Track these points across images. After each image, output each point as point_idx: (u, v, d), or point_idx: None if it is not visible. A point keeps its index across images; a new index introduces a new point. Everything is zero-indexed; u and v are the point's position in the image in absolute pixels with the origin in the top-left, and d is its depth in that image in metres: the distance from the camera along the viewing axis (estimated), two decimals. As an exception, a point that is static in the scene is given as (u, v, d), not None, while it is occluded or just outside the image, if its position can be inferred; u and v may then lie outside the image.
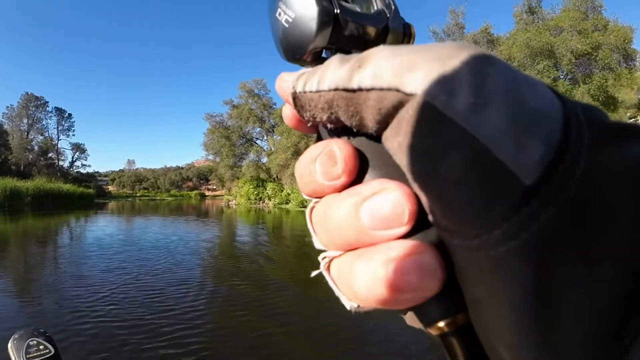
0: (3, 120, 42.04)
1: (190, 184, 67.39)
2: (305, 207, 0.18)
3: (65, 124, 46.93)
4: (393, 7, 0.20)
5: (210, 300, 3.95)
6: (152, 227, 12.29)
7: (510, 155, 0.12)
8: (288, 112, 0.19)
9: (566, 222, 0.11)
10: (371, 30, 0.19)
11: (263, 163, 27.89)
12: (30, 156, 42.34)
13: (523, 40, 16.06)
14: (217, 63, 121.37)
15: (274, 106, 29.34)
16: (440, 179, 0.13)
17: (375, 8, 0.20)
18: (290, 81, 0.18)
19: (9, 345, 0.71)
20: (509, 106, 0.12)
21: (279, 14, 0.20)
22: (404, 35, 0.20)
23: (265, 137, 29.37)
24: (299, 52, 0.20)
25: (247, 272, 5.35)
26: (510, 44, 16.85)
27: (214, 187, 52.87)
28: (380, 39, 0.20)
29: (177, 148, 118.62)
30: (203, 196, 55.95)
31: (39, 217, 16.25)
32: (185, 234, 10.33)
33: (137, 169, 73.08)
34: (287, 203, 23.79)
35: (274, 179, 26.02)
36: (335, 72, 0.15)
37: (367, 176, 0.16)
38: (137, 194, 60.40)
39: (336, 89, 0.15)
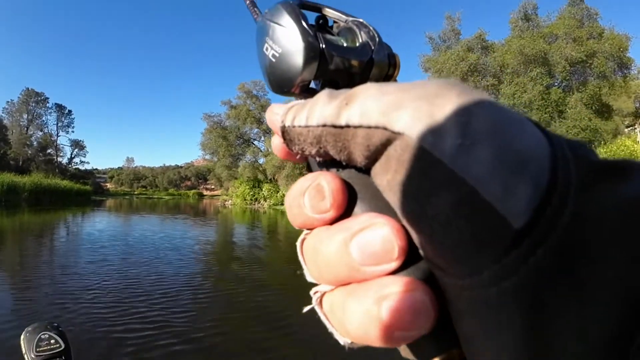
0: (3, 115, 42.14)
1: (189, 183, 67.28)
2: None
3: (65, 121, 47.02)
4: (377, 39, 0.20)
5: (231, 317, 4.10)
6: (148, 226, 12.40)
7: (498, 198, 0.12)
8: (277, 143, 0.19)
9: (556, 263, 0.11)
10: (356, 63, 0.20)
11: (260, 164, 27.80)
12: (29, 152, 42.30)
13: (517, 47, 16.20)
14: (217, 63, 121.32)
15: (272, 107, 29.06)
16: (430, 219, 0.13)
17: (360, 41, 0.20)
18: (279, 114, 0.18)
19: (22, 337, 0.73)
20: (496, 147, 0.12)
21: (266, 49, 0.21)
22: (389, 65, 0.21)
23: (262, 138, 29.26)
24: (286, 85, 0.20)
25: (243, 266, 5.49)
26: (504, 51, 17.00)
27: (212, 186, 52.72)
28: (365, 71, 0.20)
29: (177, 147, 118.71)
30: (201, 195, 55.80)
31: (35, 212, 16.33)
32: (184, 234, 10.46)
33: (135, 167, 72.91)
34: (282, 204, 23.66)
35: (270, 180, 26.03)
36: (323, 108, 0.15)
37: (356, 209, 0.16)
38: (135, 192, 60.21)
39: (324, 125, 0.15)
